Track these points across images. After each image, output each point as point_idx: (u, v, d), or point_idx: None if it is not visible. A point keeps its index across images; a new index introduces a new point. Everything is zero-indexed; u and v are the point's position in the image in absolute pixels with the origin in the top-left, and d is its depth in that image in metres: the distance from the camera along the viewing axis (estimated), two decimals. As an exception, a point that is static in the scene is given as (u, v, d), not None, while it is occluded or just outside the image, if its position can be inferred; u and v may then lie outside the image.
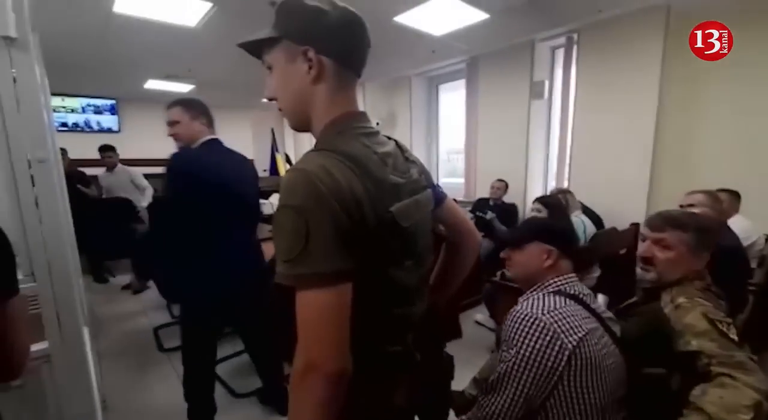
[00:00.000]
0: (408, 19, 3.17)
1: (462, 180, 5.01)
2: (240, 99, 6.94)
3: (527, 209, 4.22)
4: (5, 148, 0.92)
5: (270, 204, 3.37)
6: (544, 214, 2.54)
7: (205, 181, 1.60)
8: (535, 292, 1.07)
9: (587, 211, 3.06)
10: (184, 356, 1.80)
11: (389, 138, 0.80)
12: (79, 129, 6.20)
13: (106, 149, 4.14)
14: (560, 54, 4.02)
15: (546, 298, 1.00)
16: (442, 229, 0.96)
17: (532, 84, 4.10)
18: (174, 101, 1.74)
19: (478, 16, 3.16)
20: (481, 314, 3.08)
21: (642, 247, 1.23)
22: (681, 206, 1.83)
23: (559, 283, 1.06)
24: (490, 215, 3.77)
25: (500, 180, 4.10)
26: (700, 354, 0.95)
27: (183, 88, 5.58)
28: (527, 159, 4.26)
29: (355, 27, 0.70)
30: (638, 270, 1.25)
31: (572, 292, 1.03)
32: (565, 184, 3.97)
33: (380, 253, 0.66)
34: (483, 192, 4.31)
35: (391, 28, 3.32)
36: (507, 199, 4.11)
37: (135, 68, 4.64)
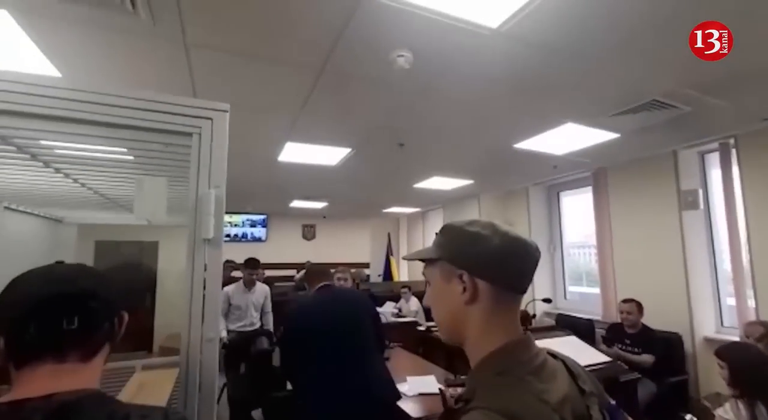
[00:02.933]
0: (528, 145, 3.22)
1: (590, 289, 4.33)
2: (362, 210, 7.68)
3: (697, 339, 3.34)
4: (187, 324, 1.10)
5: (382, 314, 3.34)
6: (725, 372, 1.93)
7: (311, 326, 1.87)
8: None
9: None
10: None
11: (554, 356, 0.71)
12: (237, 239, 7.52)
13: (255, 266, 3.96)
14: (713, 159, 3.50)
15: None
16: None
17: (680, 193, 3.58)
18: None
19: (606, 136, 3.03)
20: None
21: None
22: None
23: None
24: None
25: (628, 300, 3.33)
26: None
27: (318, 205, 6.47)
28: (687, 276, 3.51)
29: (517, 251, 0.68)
30: None
31: None
32: (750, 305, 3.07)
33: None
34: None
35: (511, 152, 3.40)
36: (657, 323, 3.33)
37: (285, 193, 5.62)
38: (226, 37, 1.68)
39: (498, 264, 0.67)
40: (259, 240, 7.68)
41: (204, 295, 1.10)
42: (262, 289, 4.13)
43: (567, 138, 3.09)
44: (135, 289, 5.80)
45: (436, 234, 0.75)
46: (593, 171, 4.27)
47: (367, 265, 8.50)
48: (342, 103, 2.43)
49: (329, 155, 3.58)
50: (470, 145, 3.33)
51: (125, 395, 3.13)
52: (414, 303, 5.33)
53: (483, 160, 3.85)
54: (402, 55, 1.74)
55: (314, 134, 3.02)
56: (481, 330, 0.67)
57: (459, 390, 2.56)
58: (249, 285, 4.02)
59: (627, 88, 2.23)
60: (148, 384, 3.39)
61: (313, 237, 8.49)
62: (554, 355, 0.71)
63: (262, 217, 7.76)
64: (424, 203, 7.11)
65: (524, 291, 0.70)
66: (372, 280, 8.25)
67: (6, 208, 2.39)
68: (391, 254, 8.35)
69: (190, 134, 1.09)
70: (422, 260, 0.75)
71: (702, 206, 3.51)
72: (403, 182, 4.83)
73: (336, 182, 4.67)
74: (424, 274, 0.76)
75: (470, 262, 0.68)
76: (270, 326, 4.22)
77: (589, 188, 4.39)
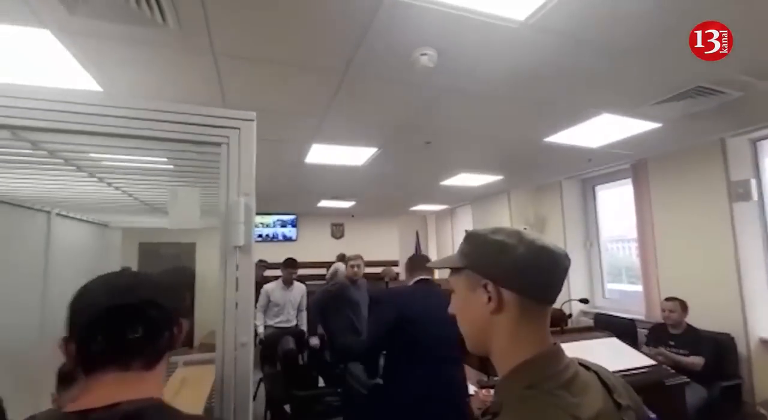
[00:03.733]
0: (560, 138, 3.09)
1: (631, 286, 4.12)
2: (389, 208, 7.69)
3: (752, 341, 3.11)
4: (221, 330, 1.13)
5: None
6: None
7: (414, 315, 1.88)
8: None
9: None
10: None
11: (586, 367, 0.67)
12: (269, 239, 7.72)
13: (294, 265, 4.15)
14: (766, 146, 3.24)
15: None
16: None
17: (730, 184, 3.33)
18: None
19: (646, 126, 2.87)
20: None
21: None
22: None
23: None
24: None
25: (670, 298, 3.15)
26: None
27: (346, 204, 6.53)
28: (739, 272, 3.26)
29: (543, 260, 0.65)
30: None
31: None
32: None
33: None
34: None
35: (541, 147, 3.28)
36: (705, 323, 3.12)
37: (314, 193, 5.71)
38: (252, 44, 1.71)
39: (523, 274, 0.65)
40: (289, 239, 7.84)
41: (236, 302, 1.13)
42: (299, 288, 4.31)
43: (602, 129, 2.94)
44: (184, 293, 6.10)
45: (464, 240, 0.74)
46: (632, 163, 4.06)
47: (395, 263, 8.50)
48: (366, 104, 2.42)
49: (355, 155, 3.59)
50: (498, 141, 3.24)
51: (169, 389, 3.28)
52: (444, 301, 5.28)
53: (512, 156, 3.74)
54: (425, 54, 1.71)
55: (340, 135, 3.04)
56: (508, 341, 0.65)
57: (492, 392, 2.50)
58: (288, 283, 4.20)
59: (668, 76, 2.09)
60: (190, 379, 3.56)
61: (341, 236, 8.58)
62: (587, 367, 0.68)
63: (291, 217, 7.91)
64: (451, 200, 7.01)
65: (552, 301, 0.67)
66: (401, 278, 8.24)
67: (57, 214, 2.56)
68: (420, 252, 8.31)
69: (219, 144, 1.12)
70: (447, 268, 0.74)
71: (755, 197, 3.25)
72: (430, 180, 4.78)
73: (363, 182, 4.69)
74: (449, 281, 0.75)
75: (495, 271, 0.66)
76: (304, 324, 4.35)
77: (628, 180, 4.17)
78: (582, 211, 5.09)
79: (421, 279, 2.04)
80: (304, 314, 4.35)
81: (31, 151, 1.35)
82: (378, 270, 7.77)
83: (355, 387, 2.47)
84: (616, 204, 4.72)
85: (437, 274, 7.63)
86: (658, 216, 3.89)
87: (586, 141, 3.21)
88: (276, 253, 5.08)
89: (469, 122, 2.77)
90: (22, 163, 1.54)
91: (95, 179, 1.72)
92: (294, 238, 7.89)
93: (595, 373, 0.67)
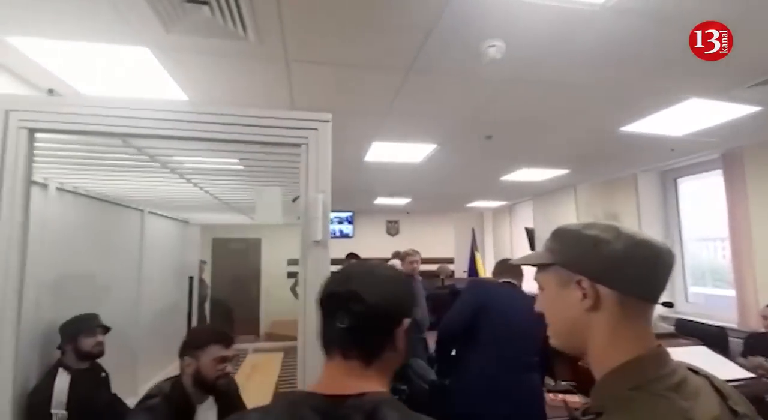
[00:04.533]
0: (638, 127, 2.85)
1: (720, 291, 3.68)
2: (445, 205, 7.61)
3: None
4: (303, 320, 1.20)
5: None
6: None
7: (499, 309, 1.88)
8: None
9: None
10: None
11: (695, 372, 0.62)
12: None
13: (357, 259, 4.27)
14: None
15: None
16: None
17: None
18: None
19: (743, 110, 2.55)
20: None
21: None
22: None
23: None
24: None
25: None
26: None
27: (401, 201, 6.56)
28: None
29: (643, 256, 0.62)
30: None
31: None
32: None
33: None
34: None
35: (616, 137, 3.05)
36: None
37: (370, 191, 5.81)
38: (323, 49, 1.78)
39: (622, 269, 0.62)
40: (346, 236, 8.06)
41: (315, 294, 1.19)
42: None
43: (689, 116, 2.66)
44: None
45: (551, 235, 0.71)
46: (724, 152, 3.62)
47: (451, 261, 8.40)
48: (429, 100, 2.42)
49: (414, 152, 3.60)
50: (567, 133, 3.06)
51: (242, 374, 3.52)
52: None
53: (582, 148, 3.51)
54: (493, 46, 1.67)
55: (400, 132, 3.06)
56: (607, 339, 0.62)
57: (564, 397, 2.39)
58: None
59: (772, 52, 1.83)
60: (259, 366, 3.80)
61: (396, 233, 8.64)
62: (695, 372, 0.63)
63: (348, 214, 8.12)
64: (511, 196, 6.76)
65: (655, 300, 0.63)
66: (457, 275, 8.12)
67: (150, 212, 2.88)
68: (476, 250, 8.12)
69: (299, 145, 1.18)
70: (533, 265, 0.72)
71: None
72: (489, 175, 4.65)
73: (420, 179, 4.68)
74: (536, 279, 0.73)
75: (589, 267, 0.63)
76: None
77: (718, 172, 3.73)
78: (661, 206, 4.65)
79: (507, 281, 2.03)
80: None
81: (136, 156, 1.53)
82: (433, 267, 7.74)
83: (417, 384, 2.49)
84: (702, 199, 4.25)
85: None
86: (755, 212, 3.44)
87: (669, 129, 2.93)
88: (333, 250, 5.24)
89: (535, 113, 2.65)
90: (127, 167, 1.75)
91: (183, 180, 1.91)
92: (351, 234, 8.10)
93: (706, 378, 0.62)
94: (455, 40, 1.69)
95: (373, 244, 7.98)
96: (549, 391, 2.52)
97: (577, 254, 0.65)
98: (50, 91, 1.98)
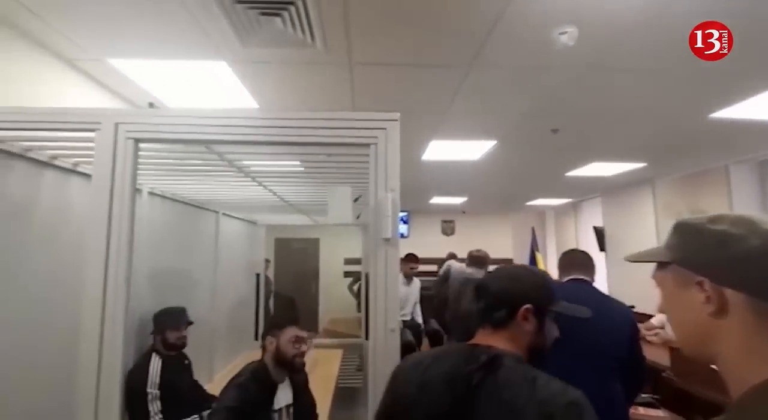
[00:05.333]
0: (735, 112, 2.54)
1: None
2: (502, 204, 7.35)
3: None
4: (374, 316, 1.21)
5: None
6: None
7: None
8: None
9: None
10: None
11: None
12: (383, 235, 8.10)
13: (415, 260, 4.19)
14: None
15: None
16: None
17: None
18: None
19: None
20: None
21: None
22: None
23: None
24: None
25: None
26: None
27: (457, 200, 6.44)
28: None
29: None
30: None
31: None
32: None
33: None
34: None
35: (705, 125, 2.74)
36: None
37: (426, 191, 5.77)
38: (384, 51, 1.80)
39: (754, 271, 0.54)
40: (402, 236, 8.07)
41: (386, 291, 1.20)
42: (417, 283, 4.41)
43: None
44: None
45: (672, 230, 0.64)
46: (841, 138, 3.11)
47: (510, 261, 8.09)
48: (490, 96, 2.34)
49: (472, 149, 3.51)
50: (645, 123, 2.80)
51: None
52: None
53: (663, 138, 3.19)
54: (565, 32, 1.57)
55: (459, 129, 3.00)
56: (743, 350, 0.55)
57: (646, 411, 2.16)
58: (408, 278, 4.28)
59: None
60: (320, 360, 3.93)
61: (452, 233, 8.50)
62: None
63: (404, 213, 8.14)
64: (576, 193, 6.35)
65: None
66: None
67: (224, 214, 3.10)
68: (537, 249, 7.74)
69: (368, 145, 1.20)
70: (646, 262, 0.66)
71: None
72: (553, 171, 4.40)
73: (477, 176, 4.55)
74: (653, 277, 0.67)
75: (714, 267, 0.56)
76: (419, 318, 4.44)
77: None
78: (759, 202, 4.09)
79: (574, 279, 1.72)
80: (419, 308, 4.46)
81: (216, 161, 1.65)
82: (491, 268, 7.50)
83: None
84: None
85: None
86: None
87: (772, 113, 2.57)
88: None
89: (610, 103, 2.46)
90: (207, 172, 1.90)
91: (255, 183, 2.03)
92: (406, 234, 8.11)
93: None
94: (522, 29, 1.62)
95: (429, 244, 7.92)
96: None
97: (699, 252, 0.58)
98: (150, 105, 2.20)
